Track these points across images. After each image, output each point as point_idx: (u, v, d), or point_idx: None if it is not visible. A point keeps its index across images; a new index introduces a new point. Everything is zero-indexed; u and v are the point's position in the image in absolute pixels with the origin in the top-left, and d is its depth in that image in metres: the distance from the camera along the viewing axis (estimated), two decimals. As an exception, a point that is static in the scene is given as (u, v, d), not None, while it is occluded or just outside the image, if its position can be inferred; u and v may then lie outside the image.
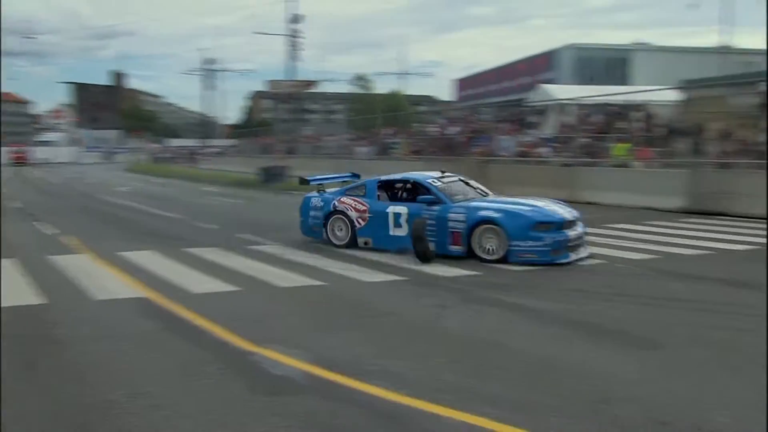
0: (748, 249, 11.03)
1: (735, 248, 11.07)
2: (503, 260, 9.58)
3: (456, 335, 6.28)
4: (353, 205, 11.08)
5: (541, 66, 55.46)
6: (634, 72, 51.33)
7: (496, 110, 32.01)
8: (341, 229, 11.19)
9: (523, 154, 23.02)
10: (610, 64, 53.15)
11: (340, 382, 4.97)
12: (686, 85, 26.00)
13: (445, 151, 26.69)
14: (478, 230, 9.84)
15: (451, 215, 10.10)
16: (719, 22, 76.73)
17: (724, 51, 43.89)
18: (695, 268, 9.51)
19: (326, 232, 11.34)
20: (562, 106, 25.73)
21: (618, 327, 6.48)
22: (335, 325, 6.69)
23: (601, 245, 11.07)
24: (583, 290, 8.04)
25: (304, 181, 12.64)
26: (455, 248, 10.02)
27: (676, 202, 16.05)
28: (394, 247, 10.47)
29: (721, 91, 22.22)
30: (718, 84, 25.22)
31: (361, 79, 73.15)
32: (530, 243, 9.56)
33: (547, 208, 10.17)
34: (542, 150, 22.80)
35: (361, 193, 11.20)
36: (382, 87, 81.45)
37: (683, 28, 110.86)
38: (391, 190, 11.61)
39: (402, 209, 10.61)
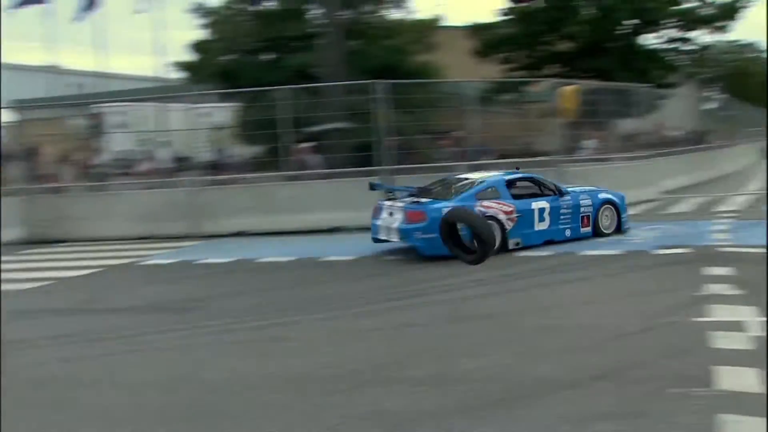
0: (88, 273, 11.33)
1: (73, 275, 11.26)
2: (616, 232, 11.97)
3: None
4: (500, 208, 10.97)
5: None
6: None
7: None
8: None
9: None
10: None
11: None
12: (18, 105, 25.23)
13: None
14: (601, 211, 11.82)
15: (582, 201, 11.70)
16: (42, 39, 72.49)
17: (54, 71, 43.70)
18: (34, 302, 9.36)
19: None
20: None
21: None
22: None
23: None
24: None
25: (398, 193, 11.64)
26: (585, 230, 11.68)
27: (14, 233, 15.35)
28: (542, 240, 11.25)
29: (57, 113, 22.32)
30: (53, 105, 25.20)
31: None
32: (626, 215, 12.27)
33: None
34: None
35: (495, 195, 11.11)
36: None
37: (6, 43, 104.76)
38: (511, 188, 11.60)
39: (543, 204, 11.37)
